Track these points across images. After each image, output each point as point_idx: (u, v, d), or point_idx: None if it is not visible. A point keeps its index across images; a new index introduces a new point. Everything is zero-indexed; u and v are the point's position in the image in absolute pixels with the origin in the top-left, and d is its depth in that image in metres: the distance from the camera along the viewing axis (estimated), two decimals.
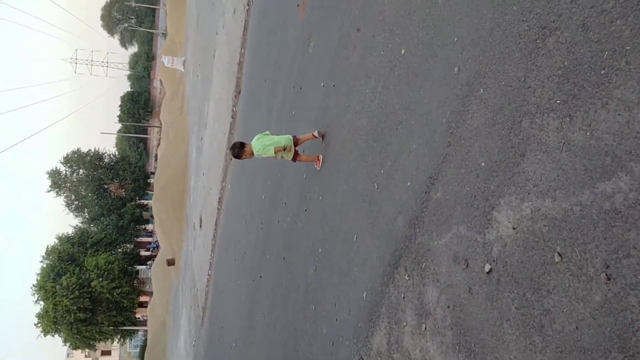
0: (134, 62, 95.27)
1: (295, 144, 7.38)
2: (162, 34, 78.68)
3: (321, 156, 7.38)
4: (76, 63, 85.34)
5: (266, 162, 10.17)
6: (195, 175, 22.31)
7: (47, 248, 53.74)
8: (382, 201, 4.95)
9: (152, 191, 46.62)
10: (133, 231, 65.45)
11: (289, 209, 8.40)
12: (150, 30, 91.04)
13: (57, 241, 55.04)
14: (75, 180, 67.79)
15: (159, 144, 56.14)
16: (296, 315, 7.21)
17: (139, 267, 55.75)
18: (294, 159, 7.48)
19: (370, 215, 5.14)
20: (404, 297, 4.35)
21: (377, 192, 5.07)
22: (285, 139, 7.32)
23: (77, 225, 65.53)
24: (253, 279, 10.60)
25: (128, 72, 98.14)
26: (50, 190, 66.28)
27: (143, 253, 62.21)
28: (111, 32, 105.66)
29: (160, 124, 52.83)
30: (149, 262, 57.19)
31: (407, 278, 4.32)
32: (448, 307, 3.71)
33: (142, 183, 68.68)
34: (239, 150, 7.42)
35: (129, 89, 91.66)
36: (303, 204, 7.60)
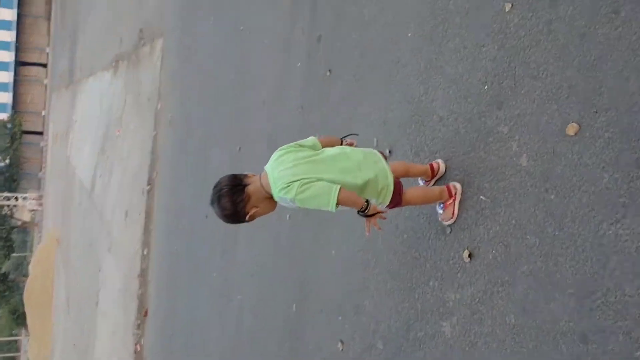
0: None
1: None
2: None
3: (458, 186, 2.71)
4: None
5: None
6: None
7: None
8: None
9: None
10: None
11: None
12: None
13: None
14: None
15: None
16: None
17: None
18: (396, 200, 2.61)
19: None
20: None
21: None
22: (370, 165, 2.57)
23: None
24: None
25: None
26: None
27: None
28: None
29: None
30: None
31: None
32: None
33: None
34: (230, 199, 2.47)
35: None
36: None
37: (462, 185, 2.72)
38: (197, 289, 6.66)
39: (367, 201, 2.48)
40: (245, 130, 5.46)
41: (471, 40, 2.74)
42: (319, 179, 2.43)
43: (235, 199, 2.48)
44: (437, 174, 2.86)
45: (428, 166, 2.86)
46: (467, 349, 2.61)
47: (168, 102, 8.92)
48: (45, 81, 49.44)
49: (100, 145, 14.63)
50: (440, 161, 2.86)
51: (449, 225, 2.77)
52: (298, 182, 2.40)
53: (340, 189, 2.40)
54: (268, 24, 5.16)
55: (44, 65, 51.81)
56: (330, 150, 2.59)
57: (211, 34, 6.77)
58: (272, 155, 2.59)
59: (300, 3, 4.57)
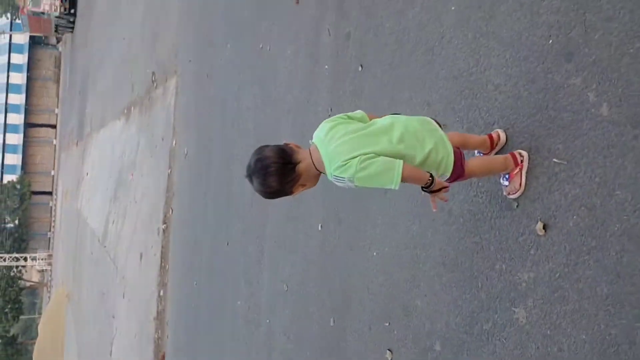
0: None
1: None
2: None
3: (524, 153, 2.45)
4: None
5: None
6: None
7: None
8: None
9: None
10: None
11: None
12: None
13: None
14: None
15: None
16: None
17: None
18: (457, 172, 2.31)
19: None
20: None
21: None
22: (428, 133, 2.27)
23: None
24: None
25: None
26: None
27: None
28: None
29: None
30: None
31: None
32: None
33: None
34: (278, 179, 2.19)
35: None
36: None
37: (529, 152, 2.46)
38: (219, 322, 6.31)
39: (431, 175, 2.23)
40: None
41: None
42: (378, 154, 2.17)
43: (284, 179, 2.23)
44: (496, 145, 2.61)
45: (486, 137, 2.61)
46: (548, 332, 2.30)
47: (183, 137, 8.77)
48: (55, 142, 49.93)
49: (113, 192, 14.46)
50: (499, 131, 2.61)
51: (516, 199, 2.50)
52: (356, 160, 2.14)
53: (403, 164, 2.16)
54: (290, 35, 5.02)
55: (53, 127, 52.44)
56: (382, 121, 2.35)
57: (229, 59, 6.66)
58: (319, 128, 2.36)
59: (324, 5, 4.43)
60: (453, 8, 3.01)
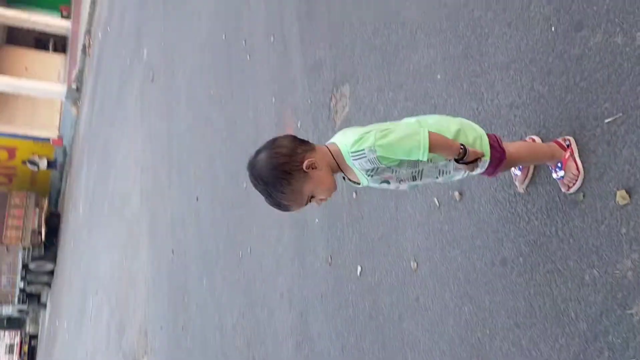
0: None
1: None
2: None
3: (569, 137, 2.18)
4: None
5: None
6: None
7: None
8: None
9: None
10: None
11: None
12: None
13: None
14: None
15: None
16: None
17: None
18: (497, 156, 2.04)
19: None
20: None
21: None
22: (450, 119, 2.08)
23: None
24: None
25: None
26: None
27: None
28: None
29: None
30: None
31: None
32: None
33: None
34: (292, 140, 1.94)
35: None
36: None
37: (573, 135, 2.17)
38: None
39: (462, 144, 1.94)
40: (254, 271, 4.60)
41: (514, 11, 2.54)
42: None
43: (296, 143, 1.95)
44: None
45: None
46: None
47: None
48: None
49: None
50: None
51: (579, 189, 2.12)
52: (374, 131, 1.89)
53: (428, 131, 1.89)
54: None
55: None
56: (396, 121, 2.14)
57: (209, 295, 6.26)
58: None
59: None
60: (439, 76, 2.97)
